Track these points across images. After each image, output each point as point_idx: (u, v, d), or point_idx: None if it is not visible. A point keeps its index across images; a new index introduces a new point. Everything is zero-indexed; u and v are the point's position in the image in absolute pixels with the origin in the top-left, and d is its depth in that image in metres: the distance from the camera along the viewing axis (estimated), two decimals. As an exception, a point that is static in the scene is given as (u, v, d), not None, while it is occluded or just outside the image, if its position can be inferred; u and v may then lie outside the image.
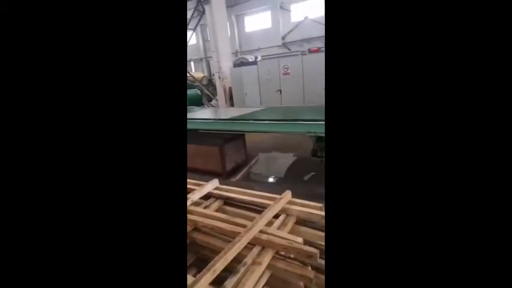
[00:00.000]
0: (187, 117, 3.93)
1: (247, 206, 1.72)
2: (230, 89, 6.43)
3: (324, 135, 2.50)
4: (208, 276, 1.03)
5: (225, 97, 6.48)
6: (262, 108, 4.28)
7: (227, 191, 1.83)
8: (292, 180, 3.09)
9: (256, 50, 12.06)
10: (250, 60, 6.97)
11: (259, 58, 6.57)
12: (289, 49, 10.86)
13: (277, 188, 1.78)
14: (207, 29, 8.30)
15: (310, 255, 1.15)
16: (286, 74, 5.32)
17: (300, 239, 1.24)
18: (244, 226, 1.37)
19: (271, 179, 3.24)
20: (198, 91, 8.97)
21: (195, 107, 5.86)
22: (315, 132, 2.59)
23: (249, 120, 3.09)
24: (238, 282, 1.08)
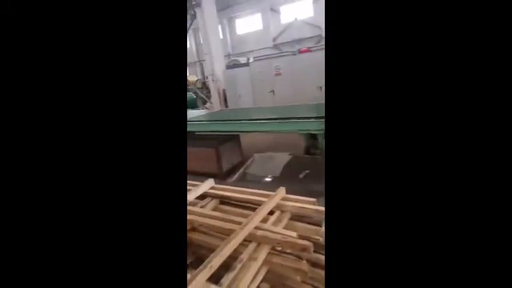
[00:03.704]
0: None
1: (243, 204, 1.74)
2: (224, 91, 6.45)
3: (315, 132, 2.53)
4: (205, 272, 1.05)
5: (220, 99, 6.50)
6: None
7: (223, 190, 1.85)
8: (287, 178, 3.12)
9: (249, 52, 12.11)
10: (243, 62, 7.00)
11: (251, 60, 6.61)
12: (280, 50, 10.94)
13: (274, 187, 1.80)
14: (199, 32, 8.32)
15: (304, 249, 1.17)
16: (278, 74, 5.36)
17: (294, 234, 1.27)
18: (240, 224, 1.39)
19: (267, 179, 3.26)
20: (193, 94, 8.98)
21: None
22: (307, 130, 2.63)
23: (241, 120, 3.12)
24: (235, 279, 1.10)
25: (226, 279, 1.09)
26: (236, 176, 3.42)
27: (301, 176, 3.12)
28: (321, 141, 3.23)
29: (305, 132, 2.74)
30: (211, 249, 1.45)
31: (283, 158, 3.72)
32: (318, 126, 2.53)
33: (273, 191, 1.71)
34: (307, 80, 4.83)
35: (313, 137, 3.36)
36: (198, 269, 1.06)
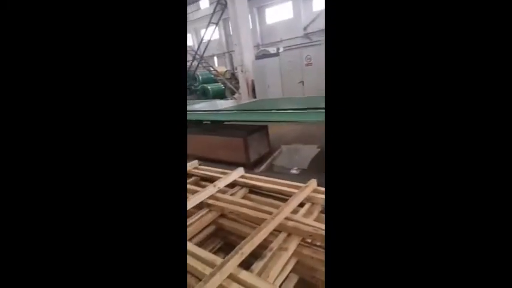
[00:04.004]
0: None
1: (272, 194, 1.73)
2: (253, 81, 6.43)
3: None
4: (237, 258, 1.06)
5: (248, 90, 6.51)
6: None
7: (252, 179, 1.86)
8: (315, 171, 3.05)
9: (278, 41, 11.90)
10: (272, 52, 6.90)
11: (281, 50, 6.48)
12: (311, 39, 10.58)
13: (301, 179, 1.77)
14: (229, 22, 8.32)
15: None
16: (308, 64, 5.21)
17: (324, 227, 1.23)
18: (270, 213, 1.39)
19: (294, 171, 3.22)
20: (221, 85, 9.09)
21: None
22: None
23: (270, 110, 3.09)
24: (265, 267, 1.10)
25: (256, 266, 1.10)
26: (263, 166, 3.42)
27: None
28: None
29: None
30: (240, 236, 1.47)
31: (311, 150, 3.64)
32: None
33: (301, 183, 1.68)
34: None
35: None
36: (229, 255, 1.07)
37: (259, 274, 1.06)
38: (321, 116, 2.53)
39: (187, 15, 16.93)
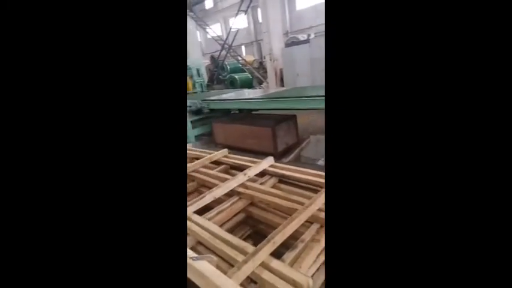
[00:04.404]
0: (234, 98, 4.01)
1: (303, 184, 1.69)
2: (281, 70, 6.31)
3: None
4: (269, 247, 1.05)
5: (276, 79, 6.40)
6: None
7: (282, 169, 1.83)
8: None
9: (308, 28, 11.47)
10: (302, 39, 6.67)
11: (312, 36, 6.24)
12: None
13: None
14: (258, 10, 8.16)
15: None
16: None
17: (362, 220, 1.18)
18: (300, 203, 1.35)
19: (322, 162, 3.14)
20: (249, 75, 9.05)
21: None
22: None
23: (298, 97, 3.01)
24: (297, 257, 1.08)
25: (288, 256, 1.09)
26: (291, 156, 3.38)
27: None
28: None
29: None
30: (270, 225, 1.47)
31: (342, 141, 3.51)
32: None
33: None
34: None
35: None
36: (261, 243, 1.07)
37: (291, 264, 1.05)
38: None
39: (217, 4, 16.88)
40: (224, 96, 4.44)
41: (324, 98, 2.68)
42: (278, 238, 1.11)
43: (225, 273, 0.94)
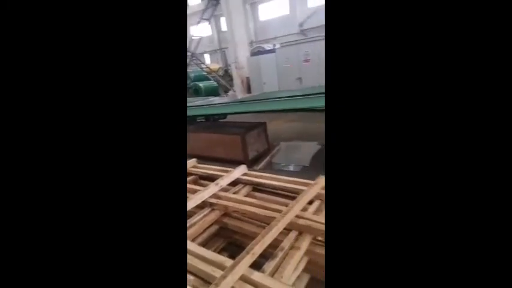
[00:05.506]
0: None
1: (278, 192, 1.67)
2: (248, 78, 6.36)
3: None
4: (248, 258, 1.00)
5: (243, 87, 6.43)
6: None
7: (256, 176, 1.80)
8: (318, 168, 3.02)
9: (272, 38, 11.81)
10: (268, 48, 6.82)
11: (277, 46, 6.42)
12: (306, 36, 10.54)
13: (304, 176, 1.71)
14: (221, 19, 8.21)
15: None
16: (306, 61, 5.16)
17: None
18: (277, 211, 1.33)
19: (294, 168, 3.18)
20: (215, 82, 8.97)
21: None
22: None
23: (267, 99, 3.04)
24: (277, 266, 1.04)
25: (268, 266, 1.04)
26: (262, 163, 3.37)
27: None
28: None
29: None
30: (246, 235, 1.41)
31: (311, 147, 3.61)
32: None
33: (305, 179, 1.62)
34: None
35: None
36: (240, 255, 1.01)
37: (272, 274, 1.01)
38: (319, 102, 2.48)
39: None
40: (190, 104, 4.31)
41: (296, 98, 2.72)
42: (258, 248, 1.06)
43: (202, 292, 0.86)
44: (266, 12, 12.96)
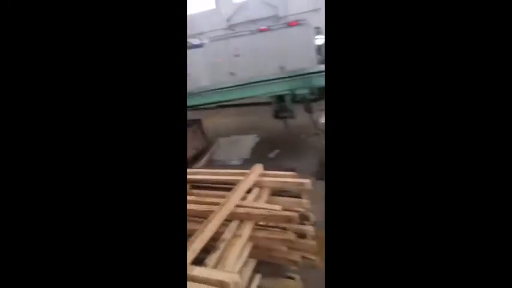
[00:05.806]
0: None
1: (218, 186, 1.65)
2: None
3: (282, 93, 2.51)
4: (189, 255, 0.96)
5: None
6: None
7: (193, 173, 1.73)
8: (258, 159, 3.09)
9: (199, 34, 11.50)
10: (196, 43, 6.60)
11: (205, 41, 6.26)
12: (234, 31, 10.58)
13: (244, 169, 1.72)
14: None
15: (290, 220, 1.15)
16: (237, 55, 5.18)
17: (278, 207, 1.23)
18: (216, 204, 1.31)
19: (236, 162, 3.20)
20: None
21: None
22: (273, 92, 2.60)
23: (200, 92, 2.97)
24: (220, 257, 1.03)
25: (210, 260, 1.02)
26: (202, 161, 3.29)
27: (271, 155, 3.12)
28: (289, 103, 3.26)
29: (271, 94, 2.73)
30: (189, 234, 1.35)
31: (250, 140, 3.67)
32: (284, 87, 2.49)
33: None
34: (268, 60, 4.74)
35: (280, 99, 3.35)
36: (180, 255, 0.96)
37: (215, 266, 0.99)
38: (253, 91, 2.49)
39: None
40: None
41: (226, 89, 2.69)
42: (197, 244, 1.03)
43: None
44: (190, 6, 12.52)
